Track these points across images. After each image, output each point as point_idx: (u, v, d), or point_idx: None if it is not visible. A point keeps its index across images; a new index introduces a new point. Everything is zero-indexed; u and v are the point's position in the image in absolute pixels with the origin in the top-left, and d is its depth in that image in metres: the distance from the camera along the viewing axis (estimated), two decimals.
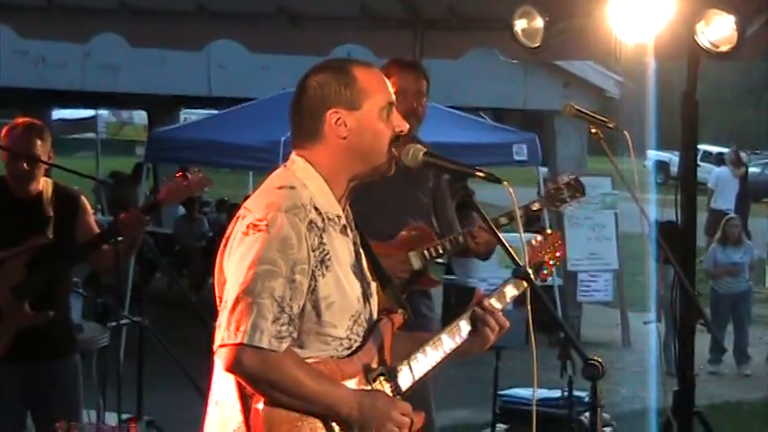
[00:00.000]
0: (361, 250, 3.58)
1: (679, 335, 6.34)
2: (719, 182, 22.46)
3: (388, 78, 5.73)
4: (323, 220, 3.38)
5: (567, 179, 5.95)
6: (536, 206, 5.88)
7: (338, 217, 3.46)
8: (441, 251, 5.85)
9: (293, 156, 3.51)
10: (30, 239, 5.74)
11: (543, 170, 15.04)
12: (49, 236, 5.81)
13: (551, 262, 4.63)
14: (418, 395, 5.75)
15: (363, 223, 5.86)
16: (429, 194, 6.01)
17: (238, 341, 3.18)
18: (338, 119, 3.43)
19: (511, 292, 3.87)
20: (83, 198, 6.10)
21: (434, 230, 5.97)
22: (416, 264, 5.82)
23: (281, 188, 3.40)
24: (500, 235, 3.63)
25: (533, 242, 4.63)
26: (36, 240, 5.75)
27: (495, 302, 3.75)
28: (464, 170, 3.59)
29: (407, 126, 3.55)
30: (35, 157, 5.79)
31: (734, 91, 45.71)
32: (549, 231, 4.81)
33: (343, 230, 3.47)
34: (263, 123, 12.22)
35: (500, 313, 3.71)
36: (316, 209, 3.37)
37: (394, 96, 3.54)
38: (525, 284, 3.77)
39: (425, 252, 5.82)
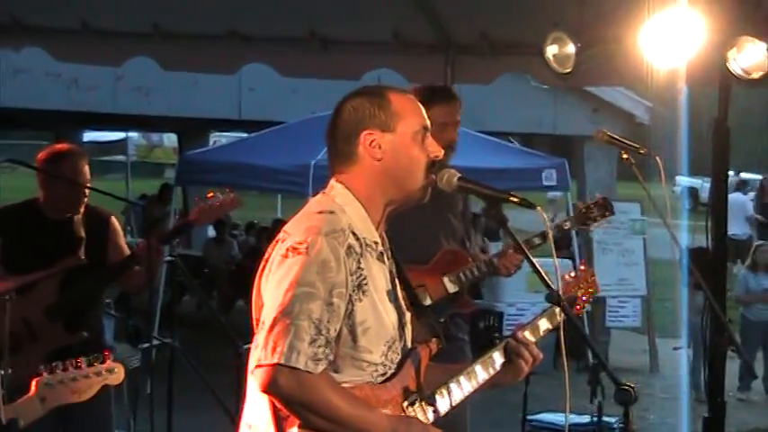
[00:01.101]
0: (397, 279, 3.59)
1: (709, 361, 6.33)
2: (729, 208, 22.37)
3: (426, 107, 5.83)
4: (361, 245, 3.40)
5: (595, 198, 6.01)
6: (567, 225, 5.99)
7: (375, 243, 3.48)
8: (476, 273, 5.88)
9: (332, 182, 3.53)
10: (63, 260, 5.79)
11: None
12: (82, 257, 5.85)
13: (584, 297, 4.64)
14: (455, 421, 5.78)
15: (398, 248, 5.93)
16: (460, 217, 6.04)
17: (275, 361, 3.19)
18: (373, 140, 3.46)
19: (545, 325, 3.88)
20: (113, 219, 6.15)
21: (469, 253, 6.00)
22: (452, 287, 5.86)
23: (320, 213, 3.41)
24: (533, 260, 3.64)
25: (567, 277, 4.64)
26: (70, 261, 5.79)
27: (528, 335, 3.77)
28: (498, 195, 3.60)
29: (442, 152, 3.56)
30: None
31: (762, 116, 45.49)
32: (582, 267, 4.85)
33: (380, 257, 3.49)
34: (292, 147, 12.28)
35: (534, 345, 3.71)
36: (354, 234, 3.39)
37: (428, 122, 3.55)
38: (559, 318, 3.78)
39: (461, 275, 5.85)
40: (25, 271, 5.71)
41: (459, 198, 5.98)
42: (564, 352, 3.54)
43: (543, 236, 5.79)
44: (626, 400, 3.49)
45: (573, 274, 4.67)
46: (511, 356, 3.68)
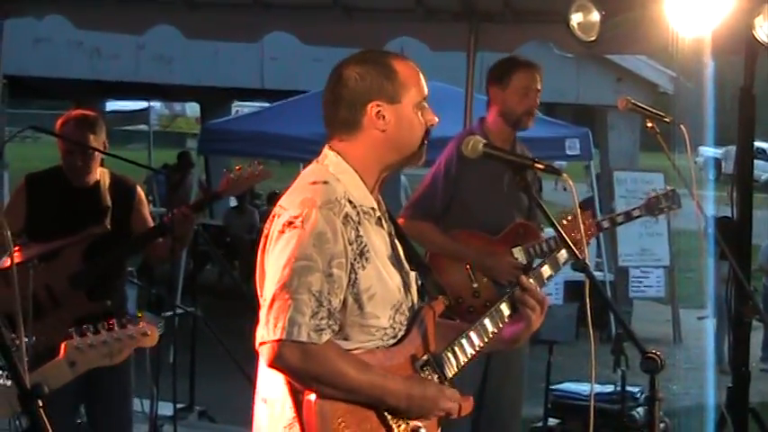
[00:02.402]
0: (397, 241, 3.58)
1: (734, 330, 6.30)
2: None
3: (510, 76, 5.96)
4: (358, 213, 3.39)
5: (665, 190, 6.15)
6: (636, 213, 6.09)
7: (372, 209, 3.47)
8: (545, 249, 5.91)
9: (325, 150, 3.51)
10: (88, 228, 5.79)
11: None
12: (107, 226, 5.86)
13: (585, 240, 4.64)
14: (513, 374, 5.87)
15: (471, 215, 6.01)
16: (530, 199, 6.06)
17: (278, 337, 3.19)
18: (379, 111, 3.43)
19: (547, 272, 3.85)
20: (138, 188, 6.15)
21: (540, 229, 6.05)
22: (522, 259, 5.90)
23: (314, 183, 3.40)
24: (559, 228, 3.62)
25: (564, 222, 4.64)
26: (95, 230, 5.79)
27: (533, 282, 3.73)
28: (523, 162, 3.58)
29: (437, 120, 3.54)
30: (88, 151, 5.84)
31: None
32: (578, 209, 4.85)
33: (378, 222, 3.48)
34: (315, 116, 12.07)
35: (537, 290, 3.67)
36: (350, 202, 3.38)
37: (426, 91, 3.53)
38: (561, 264, 3.78)
39: (531, 249, 5.91)
40: (50, 237, 5.73)
41: (531, 175, 6.01)
42: (590, 321, 3.52)
43: (628, 215, 6.10)
44: (652, 368, 3.47)
45: (570, 218, 4.68)
46: (517, 306, 3.65)
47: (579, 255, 3.56)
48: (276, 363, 3.22)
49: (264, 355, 3.24)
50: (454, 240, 5.96)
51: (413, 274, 3.59)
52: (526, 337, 3.70)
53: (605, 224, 6.07)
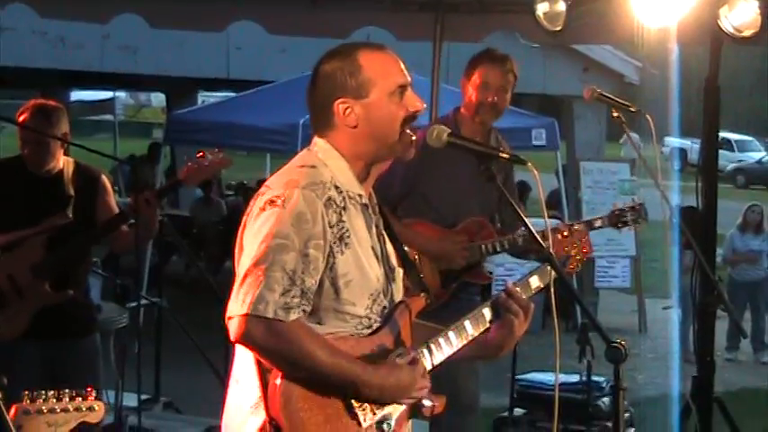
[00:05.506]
0: (385, 234, 3.57)
1: (699, 320, 6.32)
2: None
3: (475, 69, 5.89)
4: (343, 198, 3.39)
5: (632, 203, 6.12)
6: (598, 223, 6.01)
7: (360, 196, 3.47)
8: (498, 249, 5.88)
9: (315, 138, 3.53)
10: (50, 218, 5.75)
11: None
12: (69, 215, 5.81)
13: (578, 257, 4.62)
14: (464, 374, 5.76)
15: (427, 207, 5.95)
16: (496, 191, 6.02)
17: (244, 311, 3.20)
18: (346, 108, 3.43)
19: (536, 282, 3.82)
20: (103, 177, 6.11)
21: (495, 228, 6.01)
22: (472, 256, 5.86)
23: (302, 167, 3.42)
24: (524, 218, 3.61)
25: (559, 236, 4.62)
26: (57, 219, 5.75)
27: (519, 290, 3.72)
28: (488, 151, 3.57)
29: (423, 106, 3.51)
30: (43, 140, 5.79)
31: (752, 78, 45.48)
32: (575, 227, 4.83)
33: (365, 210, 3.48)
34: (281, 106, 12.23)
35: (522, 298, 3.65)
36: (336, 187, 3.39)
37: (407, 77, 3.50)
38: (550, 276, 3.74)
39: (483, 247, 5.86)
40: (12, 227, 5.69)
41: (501, 171, 5.99)
42: (554, 310, 3.51)
43: (602, 220, 6.03)
44: (616, 357, 3.48)
45: (566, 234, 4.65)
46: (500, 311, 3.63)
47: (544, 245, 3.55)
48: (242, 338, 3.23)
49: (231, 328, 3.25)
50: (405, 227, 5.85)
51: (400, 270, 3.59)
52: (511, 344, 3.67)
53: (598, 223, 5.98)
